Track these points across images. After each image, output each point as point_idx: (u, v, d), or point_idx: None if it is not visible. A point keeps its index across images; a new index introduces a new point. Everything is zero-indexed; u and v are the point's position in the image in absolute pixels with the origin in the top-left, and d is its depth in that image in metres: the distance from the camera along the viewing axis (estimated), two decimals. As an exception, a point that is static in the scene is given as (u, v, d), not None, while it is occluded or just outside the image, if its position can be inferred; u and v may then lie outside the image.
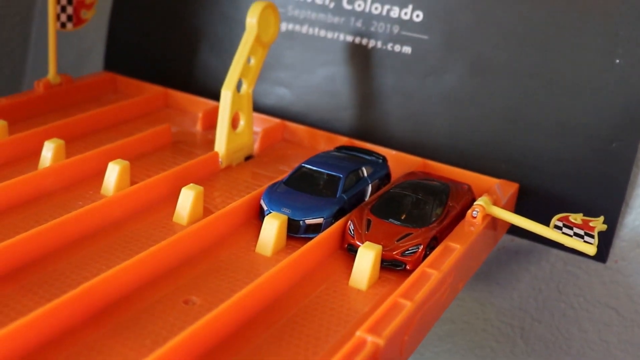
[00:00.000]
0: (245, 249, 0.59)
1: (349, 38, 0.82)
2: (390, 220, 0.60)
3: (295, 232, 0.60)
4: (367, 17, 0.81)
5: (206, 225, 0.58)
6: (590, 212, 0.71)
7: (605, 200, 0.72)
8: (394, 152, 0.76)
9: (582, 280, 0.75)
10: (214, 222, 0.59)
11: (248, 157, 0.75)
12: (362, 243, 0.57)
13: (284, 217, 0.59)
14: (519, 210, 0.72)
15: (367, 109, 0.82)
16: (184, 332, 0.44)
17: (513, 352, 0.80)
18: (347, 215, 0.61)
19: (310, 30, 0.84)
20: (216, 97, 0.88)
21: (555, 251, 0.76)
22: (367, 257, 0.55)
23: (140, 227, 0.60)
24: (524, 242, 0.77)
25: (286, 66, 0.86)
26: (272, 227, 0.58)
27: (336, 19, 0.83)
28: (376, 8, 0.80)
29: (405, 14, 0.79)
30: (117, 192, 0.63)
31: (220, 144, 0.72)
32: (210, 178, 0.70)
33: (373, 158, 0.70)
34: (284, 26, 0.85)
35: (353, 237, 0.58)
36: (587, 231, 0.63)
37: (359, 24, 0.82)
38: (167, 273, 0.54)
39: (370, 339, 0.45)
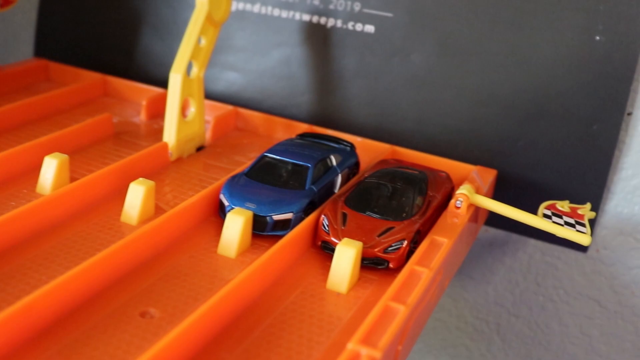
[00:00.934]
0: (205, 251, 0.52)
1: (306, 17, 0.76)
2: (368, 213, 0.53)
3: (262, 230, 0.53)
4: (325, -7, 0.75)
5: (160, 225, 0.51)
6: (571, 199, 0.67)
7: (585, 186, 0.68)
8: (359, 138, 0.71)
9: (561, 271, 0.71)
10: (168, 221, 0.52)
11: (200, 148, 0.68)
12: (340, 240, 0.51)
13: (249, 213, 0.52)
14: (496, 198, 0.67)
15: (328, 94, 0.76)
16: (145, 353, 0.37)
17: (489, 350, 0.75)
18: (319, 209, 0.55)
19: (263, 9, 0.77)
20: (160, 83, 0.81)
21: (532, 241, 0.71)
22: (346, 255, 0.49)
23: (84, 229, 0.52)
24: (499, 233, 0.72)
25: (237, 48, 0.79)
26: (236, 224, 0.51)
27: (291, -3, 0.76)
28: (335, -16, 0.74)
29: (367, -11, 0.73)
30: (55, 190, 0.55)
31: (170, 134, 0.64)
32: (160, 172, 0.63)
33: (340, 146, 0.64)
34: (234, 5, 0.78)
35: (328, 234, 0.52)
36: (577, 219, 0.59)
37: (316, 1, 0.75)
38: (118, 282, 0.46)
39: (364, 351, 0.39)
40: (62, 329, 0.41)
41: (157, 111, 0.74)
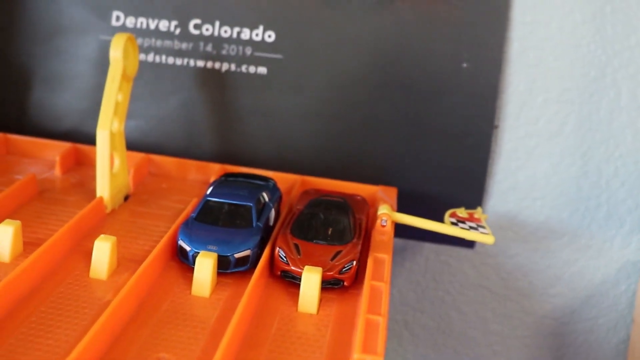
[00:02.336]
0: (180, 293, 0.56)
1: (200, 63, 0.81)
2: (316, 241, 0.61)
3: (226, 268, 0.59)
4: (217, 40, 0.80)
5: (138, 277, 0.55)
6: (458, 204, 0.78)
7: (468, 192, 0.80)
8: (270, 172, 0.77)
9: (454, 267, 0.82)
10: (142, 276, 0.55)
11: (126, 197, 0.72)
12: (299, 267, 0.57)
13: (214, 255, 0.57)
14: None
15: (228, 132, 0.82)
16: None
17: (400, 344, 0.85)
18: (271, 243, 0.61)
19: (157, 59, 0.82)
20: (57, 136, 0.82)
21: (427, 245, 0.81)
22: (313, 280, 0.56)
23: (57, 289, 0.55)
24: (398, 241, 0.82)
25: (135, 97, 0.82)
26: (207, 266, 0.56)
27: (184, 45, 0.81)
28: (225, 31, 0.80)
29: (257, 35, 0.80)
30: (14, 257, 0.57)
31: (104, 188, 0.67)
32: (102, 225, 0.65)
33: (264, 182, 0.70)
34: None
35: (287, 264, 0.58)
36: (477, 223, 0.69)
37: (208, 48, 0.81)
38: (121, 335, 0.50)
39: (369, 359, 0.46)
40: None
41: (70, 165, 0.76)
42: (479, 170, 0.79)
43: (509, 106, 0.79)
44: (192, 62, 0.81)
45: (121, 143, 0.70)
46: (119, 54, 0.68)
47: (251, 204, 0.63)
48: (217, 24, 0.80)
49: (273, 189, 0.69)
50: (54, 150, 0.78)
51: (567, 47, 0.77)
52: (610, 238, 0.80)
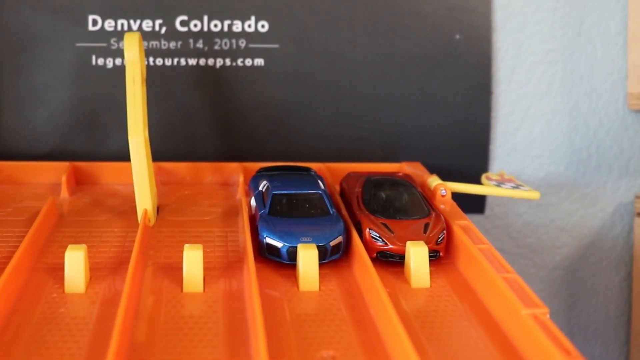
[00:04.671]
0: (285, 291, 0.53)
1: (192, 61, 0.77)
2: (399, 217, 0.60)
3: (323, 259, 0.56)
4: (208, 36, 0.77)
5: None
6: (467, 171, 0.80)
7: (474, 159, 0.81)
8: (284, 163, 0.75)
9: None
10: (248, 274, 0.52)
11: (157, 209, 0.67)
12: (396, 245, 0.56)
13: (314, 246, 0.55)
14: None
15: (231, 130, 0.78)
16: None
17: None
18: (358, 226, 0.59)
19: (145, 61, 0.76)
20: (37, 159, 0.75)
21: (439, 216, 0.82)
22: (421, 254, 0.55)
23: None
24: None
25: (124, 106, 0.76)
26: (313, 258, 0.54)
27: (172, 44, 0.77)
28: (215, 25, 0.77)
29: (249, 26, 0.77)
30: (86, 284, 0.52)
31: (146, 200, 0.62)
32: (146, 241, 0.60)
33: (306, 172, 0.68)
34: (110, 62, 0.76)
35: (385, 244, 0.57)
36: (514, 183, 0.71)
37: (199, 44, 0.77)
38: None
39: (536, 311, 0.46)
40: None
41: (73, 186, 0.70)
42: (483, 137, 0.81)
43: (501, 72, 0.81)
44: (183, 61, 0.77)
45: (149, 151, 0.65)
46: (135, 55, 0.63)
47: (320, 192, 0.61)
48: (205, 18, 0.77)
49: (319, 177, 0.67)
50: (55, 171, 0.71)
51: (546, 11, 0.81)
52: (602, 184, 0.85)
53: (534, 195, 0.68)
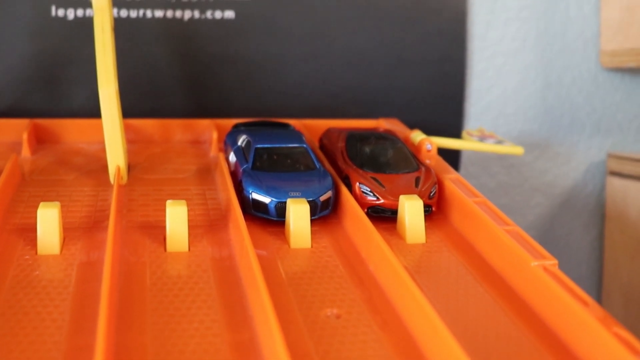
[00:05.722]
0: (277, 249, 0.50)
1: (159, 13, 0.73)
2: (389, 172, 0.57)
3: (313, 214, 0.53)
4: (174, -14, 0.73)
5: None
6: (444, 126, 0.78)
7: (448, 116, 0.80)
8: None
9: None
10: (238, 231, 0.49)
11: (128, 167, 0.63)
12: (388, 199, 0.54)
13: (304, 200, 0.52)
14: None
15: (198, 85, 0.75)
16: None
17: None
18: (346, 180, 0.57)
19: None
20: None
21: (414, 176, 0.80)
22: (416, 208, 0.53)
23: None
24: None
25: (86, 59, 0.72)
26: (305, 213, 0.51)
27: (137, -5, 0.72)
28: (182, -25, 0.73)
29: (219, -24, 0.73)
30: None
31: (118, 157, 0.58)
32: (122, 199, 0.56)
33: (284, 127, 0.65)
34: (71, 13, 0.71)
35: (377, 199, 0.55)
36: (496, 138, 0.70)
37: (166, -5, 0.73)
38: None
39: (545, 262, 0.44)
40: None
41: (35, 145, 0.66)
42: (457, 93, 0.79)
43: (475, 27, 0.80)
44: (149, 13, 0.73)
45: (119, 105, 0.61)
46: (104, 1, 0.59)
47: (305, 146, 0.58)
48: (171, -33, 0.72)
49: (298, 132, 0.64)
50: (9, 130, 0.66)
51: (520, -35, 0.80)
52: (575, 143, 0.85)
53: (518, 150, 0.67)
